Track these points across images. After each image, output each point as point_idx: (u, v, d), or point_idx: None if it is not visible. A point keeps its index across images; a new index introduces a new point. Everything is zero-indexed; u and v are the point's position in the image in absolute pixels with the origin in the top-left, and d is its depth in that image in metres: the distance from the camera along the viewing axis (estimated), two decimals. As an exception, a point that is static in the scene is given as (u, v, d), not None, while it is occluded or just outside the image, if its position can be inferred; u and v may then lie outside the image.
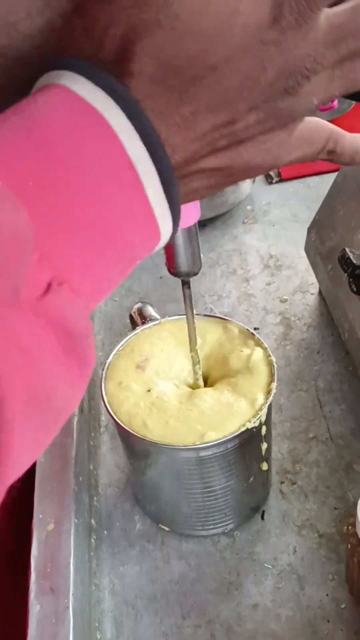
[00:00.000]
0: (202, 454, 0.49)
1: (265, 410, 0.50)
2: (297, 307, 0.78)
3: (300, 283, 0.81)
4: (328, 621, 0.52)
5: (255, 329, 0.76)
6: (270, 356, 0.53)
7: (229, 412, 0.49)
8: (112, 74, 0.25)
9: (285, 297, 0.80)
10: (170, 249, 0.44)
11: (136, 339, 0.55)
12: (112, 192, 0.25)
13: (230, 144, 0.28)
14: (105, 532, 0.60)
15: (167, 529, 0.58)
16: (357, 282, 0.59)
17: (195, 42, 0.25)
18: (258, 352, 0.52)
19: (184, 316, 0.50)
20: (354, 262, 0.57)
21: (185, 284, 0.47)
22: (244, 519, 0.58)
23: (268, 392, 0.50)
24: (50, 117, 0.24)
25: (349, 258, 0.58)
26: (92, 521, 0.59)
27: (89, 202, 0.24)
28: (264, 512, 0.59)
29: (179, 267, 0.44)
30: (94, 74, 0.25)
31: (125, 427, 0.49)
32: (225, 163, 0.29)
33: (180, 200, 0.28)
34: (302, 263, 0.81)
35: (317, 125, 0.32)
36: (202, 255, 0.46)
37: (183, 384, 0.52)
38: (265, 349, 0.53)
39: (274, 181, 0.96)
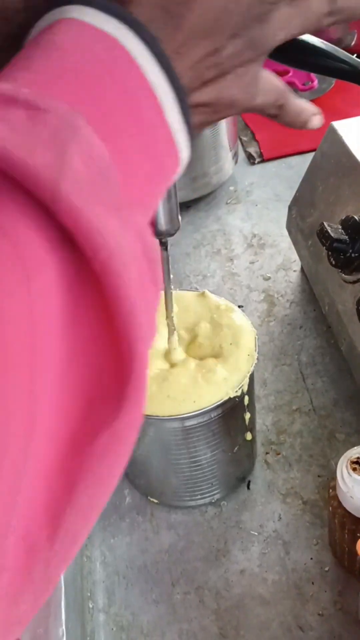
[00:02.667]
0: (187, 423, 0.50)
1: (246, 380, 0.51)
2: (280, 284, 0.79)
3: (283, 261, 0.82)
4: (313, 583, 0.53)
5: (239, 306, 0.77)
6: (252, 328, 0.54)
7: (211, 382, 0.50)
8: (117, 4, 0.26)
9: (268, 275, 0.81)
10: None
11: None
12: (137, 116, 0.26)
13: (217, 76, 0.30)
14: (95, 506, 0.61)
15: (156, 501, 0.60)
16: (336, 255, 0.60)
17: None
18: (240, 325, 0.54)
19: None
20: (332, 235, 0.59)
21: (163, 245, 0.48)
22: (231, 489, 0.60)
23: (249, 363, 0.52)
24: (73, 47, 0.25)
25: (327, 232, 0.59)
26: (82, 495, 0.60)
27: (130, 124, 0.25)
28: (249, 482, 0.61)
29: (158, 226, 0.45)
30: (100, 2, 0.26)
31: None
32: (212, 97, 0.30)
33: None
34: (285, 241, 0.83)
35: (274, 77, 0.34)
36: (180, 217, 0.46)
37: (166, 355, 0.53)
38: (247, 322, 0.54)
39: (256, 162, 0.97)
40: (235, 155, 0.93)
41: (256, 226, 0.88)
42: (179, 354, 0.52)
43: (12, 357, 0.20)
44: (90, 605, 0.54)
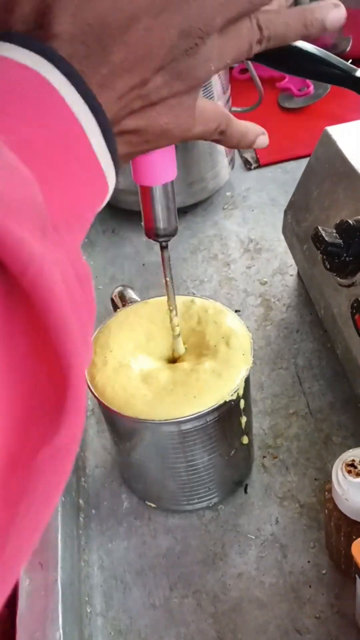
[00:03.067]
0: (183, 427, 0.51)
1: (242, 383, 0.51)
2: (276, 289, 0.80)
3: (279, 265, 0.82)
4: (310, 586, 0.53)
5: (236, 311, 0.78)
6: (247, 332, 0.54)
7: (207, 386, 0.50)
8: (37, 39, 0.26)
9: (265, 279, 0.81)
10: (148, 209, 0.45)
11: (116, 319, 0.56)
12: (62, 144, 0.26)
13: (145, 105, 0.30)
14: (93, 510, 0.61)
15: (153, 505, 0.60)
16: (330, 259, 0.61)
17: (111, 1, 0.27)
18: (238, 332, 0.54)
19: (164, 297, 0.52)
20: (326, 239, 0.59)
21: (164, 247, 0.48)
22: (228, 493, 0.60)
23: (245, 366, 0.52)
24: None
25: (321, 236, 0.60)
26: (80, 501, 0.60)
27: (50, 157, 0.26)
28: (246, 485, 0.61)
29: (157, 226, 0.45)
30: (21, 38, 0.26)
31: (107, 405, 0.50)
32: (141, 125, 0.31)
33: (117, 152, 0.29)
34: (281, 246, 0.83)
35: (214, 105, 0.36)
36: (177, 219, 0.47)
37: (162, 360, 0.53)
38: (242, 326, 0.55)
39: (252, 167, 0.98)
40: (231, 161, 0.93)
41: (252, 231, 0.88)
42: (177, 356, 0.52)
43: None
44: (88, 610, 0.54)
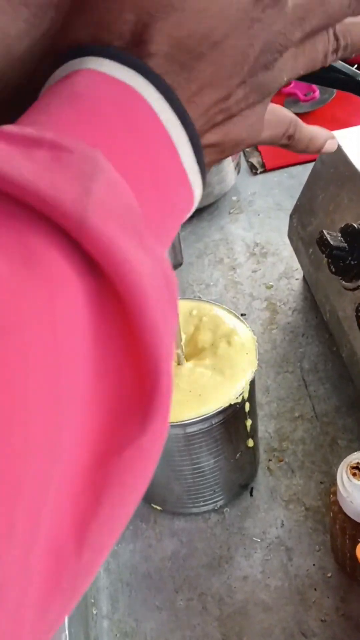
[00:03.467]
0: (188, 430, 0.51)
1: (247, 387, 0.51)
2: (282, 293, 0.80)
3: (285, 269, 0.83)
4: (315, 589, 0.53)
5: (242, 315, 0.78)
6: (253, 335, 0.54)
7: (213, 390, 0.51)
8: (134, 56, 0.27)
9: (270, 283, 0.81)
10: None
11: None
12: (153, 158, 0.27)
13: (225, 119, 0.31)
14: (99, 513, 0.61)
15: (159, 508, 0.60)
16: (335, 263, 0.61)
17: (202, 20, 0.28)
18: (241, 333, 0.54)
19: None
20: (331, 243, 0.59)
21: None
22: (234, 496, 0.60)
23: (250, 370, 0.52)
24: (92, 94, 0.26)
25: (326, 240, 0.60)
26: (86, 503, 0.61)
27: (141, 167, 0.26)
28: (252, 488, 0.61)
29: None
30: (116, 54, 0.27)
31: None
32: (220, 138, 0.31)
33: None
34: (287, 250, 0.83)
35: (282, 110, 0.37)
36: (182, 248, 0.47)
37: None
38: (247, 329, 0.55)
39: (258, 172, 0.98)
40: (237, 166, 0.94)
41: (258, 235, 0.88)
42: (183, 362, 0.53)
43: (35, 376, 0.20)
44: (94, 612, 0.54)
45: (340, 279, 0.62)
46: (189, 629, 0.53)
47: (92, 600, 0.54)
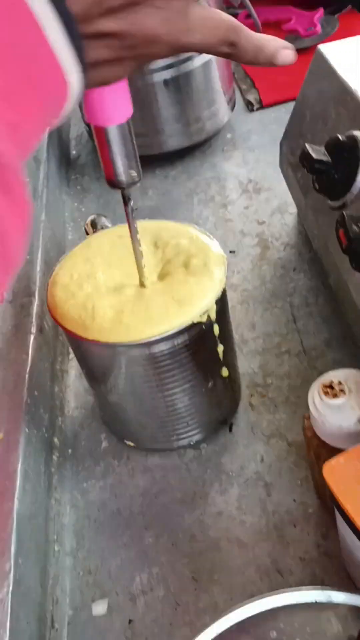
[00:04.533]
0: (152, 351, 0.47)
1: (213, 306, 0.47)
2: (275, 228, 0.75)
3: (279, 204, 0.78)
4: (295, 526, 0.49)
5: (231, 252, 0.73)
6: (222, 253, 0.50)
7: (177, 308, 0.46)
8: None
9: (263, 219, 0.77)
10: (105, 154, 0.40)
11: (83, 244, 0.53)
12: (13, 35, 0.25)
13: (126, 5, 0.28)
14: (69, 450, 0.58)
15: (132, 444, 0.57)
16: (319, 179, 0.56)
17: None
18: (209, 251, 0.50)
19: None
20: (313, 156, 0.54)
21: (126, 199, 0.44)
22: (211, 431, 0.56)
23: (217, 288, 0.48)
24: None
25: (308, 153, 0.55)
26: (55, 439, 0.57)
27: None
28: (232, 424, 0.57)
29: (117, 173, 0.41)
30: None
31: (70, 330, 0.47)
32: (123, 28, 0.29)
33: (87, 54, 0.27)
34: (282, 185, 0.78)
35: (218, 13, 0.33)
36: (140, 164, 0.42)
37: (126, 282, 0.49)
38: (217, 247, 0.50)
39: (255, 108, 0.93)
40: (230, 101, 0.88)
41: (252, 171, 0.83)
42: (145, 282, 0.49)
43: None
44: (56, 549, 0.51)
45: (326, 199, 0.58)
46: (157, 565, 0.49)
47: (55, 537, 0.51)
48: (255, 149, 0.86)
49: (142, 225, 0.49)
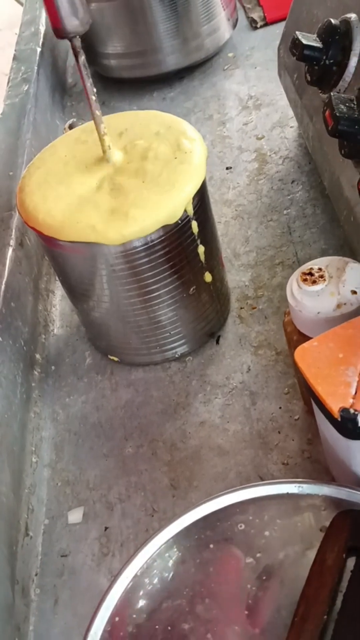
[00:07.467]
0: (126, 248, 0.44)
1: (190, 200, 0.44)
2: (274, 142, 0.71)
3: (279, 118, 0.73)
4: (279, 432, 0.47)
5: (227, 168, 0.70)
6: (204, 144, 0.47)
7: (148, 200, 0.43)
8: None
9: (262, 134, 0.72)
10: (51, 3, 0.38)
11: (55, 142, 0.50)
12: None
13: None
14: (52, 367, 0.56)
15: (116, 359, 0.54)
16: (311, 69, 0.52)
17: None
18: (189, 141, 0.47)
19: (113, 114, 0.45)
20: (303, 41, 0.50)
21: (76, 50, 0.41)
22: (197, 344, 0.54)
23: (195, 181, 0.45)
24: None
25: (297, 40, 0.51)
26: (37, 355, 0.56)
27: None
28: (219, 337, 0.54)
29: (62, 19, 0.38)
30: None
31: (40, 230, 0.44)
32: None
33: None
34: (283, 99, 0.74)
35: None
36: (88, 10, 0.39)
37: (95, 180, 0.46)
38: (199, 138, 0.47)
39: (258, 25, 0.88)
40: (232, 18, 0.84)
41: (254, 87, 0.79)
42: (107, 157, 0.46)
43: None
44: (34, 459, 0.49)
45: (319, 91, 0.53)
46: (135, 474, 0.47)
47: (33, 448, 0.50)
48: (258, 66, 0.82)
49: (107, 119, 0.46)
